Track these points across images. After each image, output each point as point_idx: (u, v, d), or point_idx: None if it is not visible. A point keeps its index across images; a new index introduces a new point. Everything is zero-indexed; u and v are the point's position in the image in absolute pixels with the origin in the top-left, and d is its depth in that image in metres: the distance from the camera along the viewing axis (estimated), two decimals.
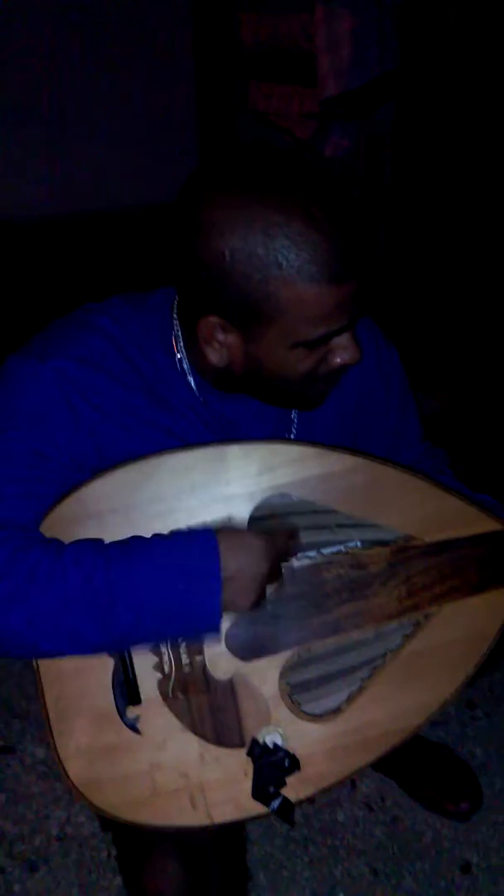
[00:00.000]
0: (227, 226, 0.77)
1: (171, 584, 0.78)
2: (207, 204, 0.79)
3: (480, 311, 2.38)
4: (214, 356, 0.86)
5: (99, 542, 0.82)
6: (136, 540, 0.82)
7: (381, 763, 1.44)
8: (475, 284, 2.38)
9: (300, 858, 1.35)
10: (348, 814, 1.42)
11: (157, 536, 0.83)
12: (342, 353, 0.86)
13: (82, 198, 2.93)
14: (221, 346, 0.85)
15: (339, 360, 0.86)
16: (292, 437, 0.99)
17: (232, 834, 0.92)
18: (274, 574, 0.86)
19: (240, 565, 0.81)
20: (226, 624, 0.88)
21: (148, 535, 0.85)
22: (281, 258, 0.77)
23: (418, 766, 1.44)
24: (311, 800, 1.42)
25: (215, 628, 0.82)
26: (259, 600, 0.84)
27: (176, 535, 0.83)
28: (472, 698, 1.63)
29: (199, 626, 0.81)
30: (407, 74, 2.22)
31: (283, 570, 0.88)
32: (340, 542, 0.91)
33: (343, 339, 0.85)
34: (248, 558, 0.82)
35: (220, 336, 0.84)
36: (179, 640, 0.87)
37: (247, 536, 0.84)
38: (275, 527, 0.87)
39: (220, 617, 0.80)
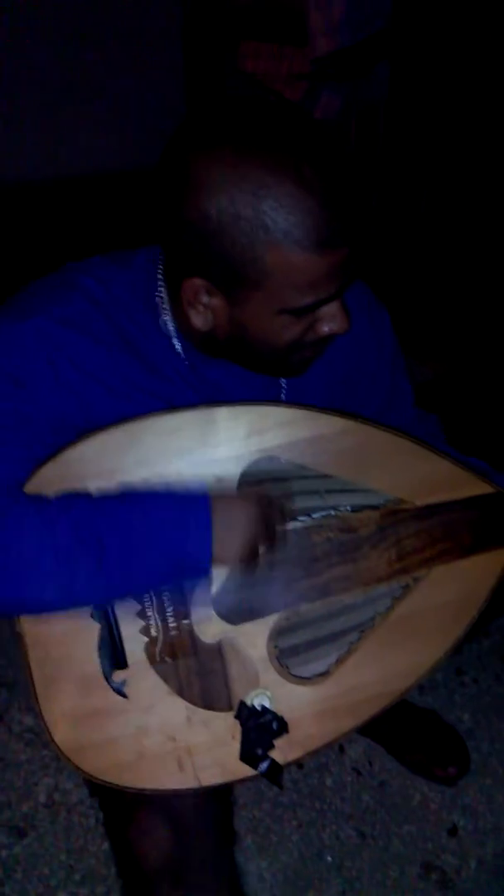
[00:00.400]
0: (215, 185, 0.74)
1: (161, 530, 0.78)
2: (194, 161, 0.75)
3: (474, 278, 2.35)
4: (198, 319, 0.83)
5: (88, 494, 0.80)
6: (128, 492, 0.81)
7: (370, 728, 1.46)
8: (470, 250, 2.35)
9: (288, 822, 1.35)
10: (336, 778, 1.42)
11: (149, 489, 0.82)
12: (330, 322, 0.83)
13: (68, 161, 2.87)
14: (206, 309, 0.83)
15: (326, 329, 0.84)
16: (282, 400, 0.97)
17: (219, 798, 0.92)
18: (269, 535, 0.85)
19: (230, 522, 0.80)
20: (215, 584, 0.87)
21: None
22: (269, 221, 0.74)
23: (406, 732, 1.45)
24: (299, 764, 1.43)
25: (205, 573, 0.81)
26: (250, 558, 0.83)
27: (169, 489, 0.82)
28: (460, 665, 1.64)
29: (189, 573, 0.81)
30: (401, 33, 2.17)
31: (278, 534, 0.87)
32: (331, 508, 0.90)
33: (331, 308, 0.82)
34: (239, 518, 0.81)
35: (205, 299, 0.82)
36: (169, 588, 0.87)
37: (239, 500, 0.83)
38: (269, 490, 0.86)
39: (209, 566, 0.79)
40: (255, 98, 0.80)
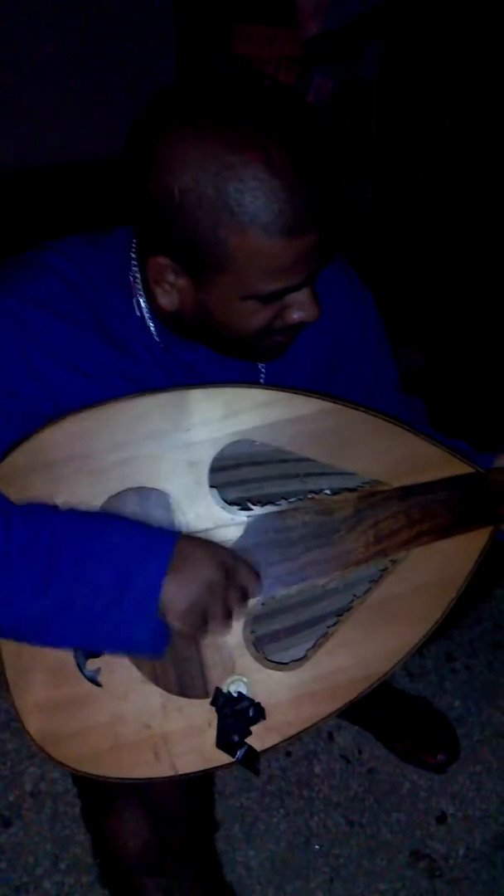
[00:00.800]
0: (178, 162, 0.71)
1: (116, 557, 0.76)
2: (160, 135, 0.72)
3: (469, 263, 2.33)
4: (164, 298, 0.81)
5: (54, 506, 0.80)
6: (94, 513, 0.81)
7: (359, 716, 1.45)
8: (465, 236, 2.32)
9: (276, 811, 1.35)
10: (325, 766, 1.41)
11: (116, 517, 0.81)
12: (298, 309, 0.80)
13: (58, 147, 2.84)
14: (171, 289, 0.80)
15: (295, 316, 0.81)
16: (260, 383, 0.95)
17: (199, 786, 0.91)
18: (224, 609, 0.81)
19: (192, 558, 0.79)
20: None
21: (105, 483, 0.81)
22: (233, 203, 0.70)
23: (396, 719, 1.44)
24: (287, 752, 1.42)
25: (149, 630, 0.78)
26: (195, 617, 0.79)
27: (138, 522, 0.81)
28: (450, 651, 1.63)
29: (133, 617, 0.77)
30: (392, 11, 2.14)
31: (230, 619, 0.83)
32: (310, 492, 0.88)
33: (300, 295, 0.79)
34: (204, 555, 0.80)
35: (171, 278, 0.79)
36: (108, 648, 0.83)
37: (209, 543, 0.82)
38: (239, 563, 0.84)
39: (156, 608, 0.77)
40: (231, 73, 0.77)
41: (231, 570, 0.81)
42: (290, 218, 0.71)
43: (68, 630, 0.78)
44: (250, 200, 0.70)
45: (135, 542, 0.77)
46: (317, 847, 1.30)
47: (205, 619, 0.80)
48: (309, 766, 1.41)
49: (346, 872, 1.27)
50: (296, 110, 0.73)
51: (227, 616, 0.82)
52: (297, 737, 0.87)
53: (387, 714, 1.44)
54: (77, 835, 1.29)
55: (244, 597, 0.84)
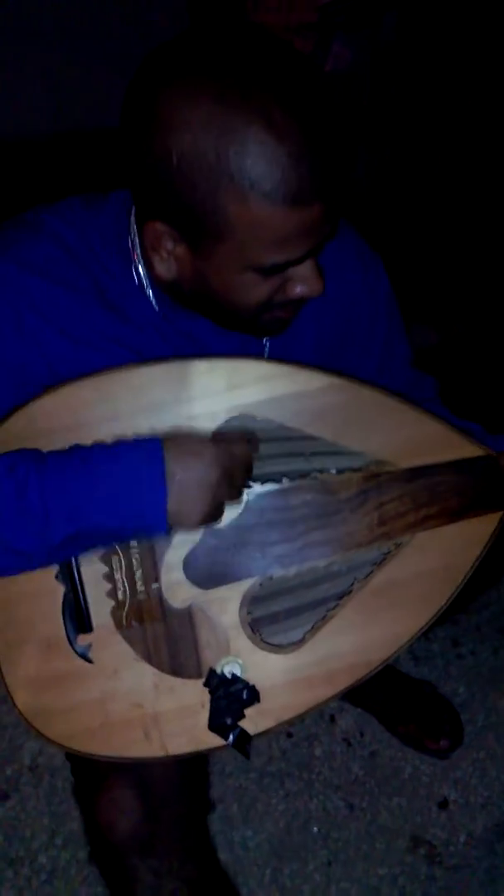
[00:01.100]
0: (177, 122, 0.66)
1: (109, 493, 0.72)
2: (158, 94, 0.67)
3: (487, 236, 2.26)
4: (161, 267, 0.77)
5: (37, 451, 0.76)
6: (77, 448, 0.76)
7: (361, 698, 1.43)
8: (483, 208, 2.26)
9: (275, 792, 1.33)
10: (326, 748, 1.40)
11: (98, 445, 0.77)
12: (301, 283, 0.76)
13: (72, 116, 2.79)
14: (169, 256, 0.76)
15: (297, 291, 0.76)
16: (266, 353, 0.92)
17: (192, 767, 0.89)
18: (234, 488, 0.79)
19: (187, 472, 0.74)
20: (182, 548, 0.83)
21: None
22: (233, 169, 0.65)
23: (399, 702, 1.42)
24: (288, 734, 1.41)
25: (160, 534, 0.77)
26: (212, 514, 0.78)
27: (119, 442, 0.77)
28: (456, 636, 1.60)
29: (145, 536, 0.77)
30: None
31: (244, 489, 0.82)
32: (314, 471, 0.85)
33: (303, 269, 0.75)
34: (196, 463, 0.75)
35: (168, 245, 0.75)
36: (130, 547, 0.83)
37: (195, 442, 0.77)
38: (230, 434, 0.81)
39: (165, 525, 0.74)
40: (236, 28, 0.72)
41: (225, 459, 0.78)
42: (295, 186, 0.66)
43: (83, 550, 0.79)
44: (251, 165, 0.65)
45: (124, 486, 0.73)
46: (315, 829, 1.28)
47: (220, 509, 0.79)
48: (310, 748, 1.39)
49: (344, 856, 1.25)
50: (304, 70, 0.68)
51: (240, 494, 0.81)
52: (292, 722, 0.84)
53: (390, 697, 1.42)
54: (74, 810, 1.28)
55: (249, 469, 0.82)
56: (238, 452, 0.79)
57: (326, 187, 0.69)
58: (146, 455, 0.75)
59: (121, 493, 0.73)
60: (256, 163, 0.65)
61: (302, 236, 0.71)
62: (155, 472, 0.74)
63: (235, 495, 0.81)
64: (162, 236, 0.74)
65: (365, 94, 2.39)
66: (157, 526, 0.74)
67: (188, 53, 0.68)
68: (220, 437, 0.80)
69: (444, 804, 1.32)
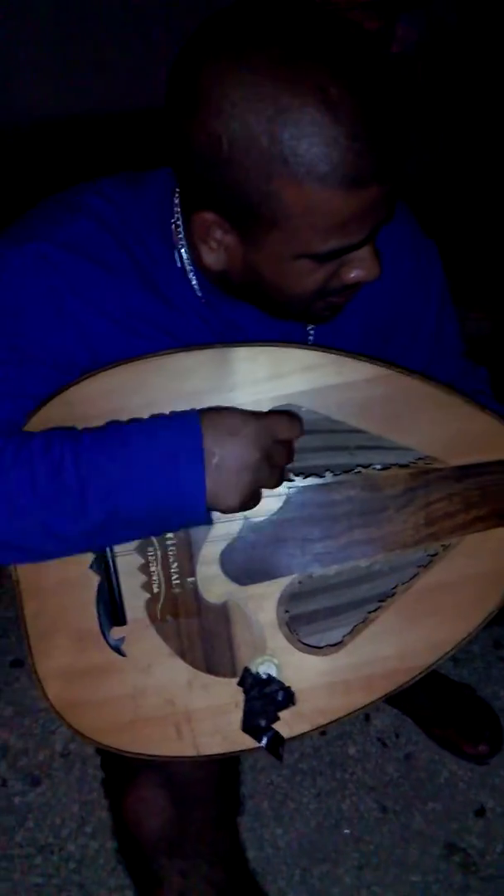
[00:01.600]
0: (226, 104, 0.62)
1: (146, 471, 0.69)
2: (205, 74, 0.63)
3: None
4: (210, 257, 0.74)
5: (73, 430, 0.73)
6: (113, 425, 0.73)
7: (398, 699, 1.39)
8: None
9: (307, 790, 1.31)
10: (360, 748, 1.36)
11: (134, 421, 0.74)
12: (357, 267, 0.72)
13: (89, 99, 2.75)
14: (219, 247, 0.73)
15: (353, 275, 0.73)
16: (310, 339, 0.88)
17: (224, 767, 0.86)
18: (273, 472, 0.75)
19: (225, 451, 0.71)
20: (219, 542, 0.80)
21: None
22: (287, 152, 0.62)
23: (438, 705, 1.38)
24: (322, 731, 1.38)
25: (200, 519, 0.73)
26: (250, 497, 0.73)
27: (156, 418, 0.74)
28: (499, 638, 1.55)
29: (182, 518, 0.73)
30: None
31: (284, 475, 0.78)
32: (359, 466, 0.82)
33: (360, 252, 0.71)
34: (235, 443, 0.71)
35: (218, 234, 0.71)
36: (168, 533, 0.80)
37: (235, 419, 0.73)
38: (272, 412, 0.77)
39: (204, 508, 0.71)
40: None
41: (265, 437, 0.73)
42: (352, 168, 0.62)
43: (121, 535, 0.75)
44: (307, 148, 0.61)
45: (161, 463, 0.70)
46: (347, 831, 1.26)
47: (260, 492, 0.75)
48: (343, 747, 1.36)
49: (376, 860, 1.22)
50: (360, 43, 0.64)
51: (281, 479, 0.77)
52: (327, 727, 0.81)
53: (428, 699, 1.38)
54: (104, 798, 1.26)
55: (291, 450, 0.77)
56: (279, 432, 0.75)
57: (385, 168, 0.64)
58: (183, 433, 0.71)
59: (157, 471, 0.70)
60: (313, 144, 0.61)
61: (360, 220, 0.67)
62: (193, 451, 0.70)
63: (275, 480, 0.76)
64: (211, 226, 0.71)
65: (419, 75, 2.32)
66: (196, 506, 0.71)
67: (235, 27, 0.64)
68: (262, 415, 0.76)
69: (480, 812, 1.28)
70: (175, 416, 0.74)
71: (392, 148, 0.64)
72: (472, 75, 2.24)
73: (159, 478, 0.70)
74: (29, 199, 0.84)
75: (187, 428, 0.71)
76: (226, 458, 0.71)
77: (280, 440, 0.75)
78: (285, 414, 0.77)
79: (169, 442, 0.71)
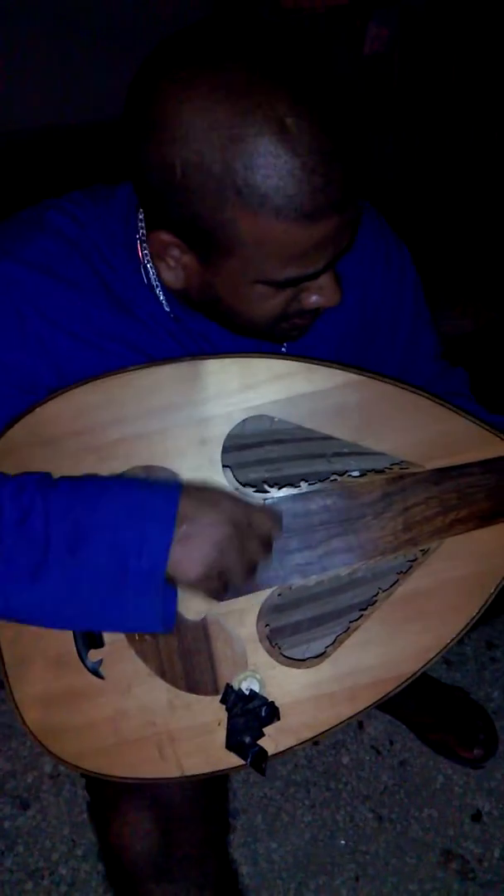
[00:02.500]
0: (181, 131, 0.60)
1: (114, 521, 0.68)
2: (160, 96, 0.61)
3: None
4: (168, 275, 0.72)
5: (47, 476, 0.72)
6: (93, 478, 0.73)
7: (390, 705, 1.38)
8: None
9: (301, 802, 1.29)
10: (354, 757, 1.35)
11: (115, 479, 0.73)
12: (316, 294, 0.71)
13: (91, 108, 2.75)
14: (176, 265, 0.71)
15: (312, 300, 0.72)
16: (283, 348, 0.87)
17: (211, 787, 0.85)
18: (242, 560, 0.73)
19: (198, 519, 0.70)
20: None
21: (110, 461, 0.75)
22: (241, 182, 0.60)
23: (430, 709, 1.36)
24: (315, 742, 1.36)
25: (157, 586, 0.69)
26: (214, 577, 0.71)
27: (135, 479, 0.73)
28: (491, 639, 1.54)
29: (140, 589, 0.69)
30: None
31: (254, 570, 0.76)
32: (336, 474, 0.81)
33: (320, 280, 0.70)
34: (211, 513, 0.71)
35: (175, 254, 0.70)
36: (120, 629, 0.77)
37: (217, 493, 0.73)
38: (255, 501, 0.77)
39: (164, 567, 0.69)
40: (247, 19, 0.66)
41: (243, 520, 0.73)
42: (308, 201, 0.61)
43: (70, 613, 0.71)
44: (262, 180, 0.60)
45: (130, 515, 0.69)
46: (343, 842, 1.24)
47: (224, 578, 0.73)
48: (337, 757, 1.35)
49: (373, 870, 1.20)
50: (320, 73, 0.62)
51: (250, 571, 0.75)
52: (313, 740, 0.80)
53: (421, 704, 1.36)
54: (93, 829, 1.25)
55: (267, 545, 0.76)
56: (257, 522, 0.75)
57: (343, 199, 0.63)
58: (161, 493, 0.71)
59: (125, 521, 0.69)
60: (267, 176, 0.60)
61: (318, 250, 0.66)
62: (165, 510, 0.69)
63: (242, 573, 0.74)
64: (168, 246, 0.69)
65: (394, 74, 2.32)
66: (156, 567, 0.69)
67: (194, 48, 0.62)
68: (245, 501, 0.75)
69: (477, 816, 1.27)
70: (157, 483, 0.73)
71: (350, 178, 0.63)
72: (447, 71, 2.24)
73: (126, 529, 0.68)
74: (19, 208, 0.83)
75: (166, 490, 0.71)
76: (197, 526, 0.70)
77: (256, 529, 0.74)
78: (268, 509, 0.77)
79: (144, 497, 0.70)
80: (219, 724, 0.79)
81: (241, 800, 1.28)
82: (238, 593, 0.78)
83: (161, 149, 0.62)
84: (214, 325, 0.80)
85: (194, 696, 0.79)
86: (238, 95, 0.59)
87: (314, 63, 0.63)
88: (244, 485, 0.79)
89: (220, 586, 0.73)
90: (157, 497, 0.70)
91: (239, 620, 0.79)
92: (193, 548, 0.70)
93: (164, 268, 0.72)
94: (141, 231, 0.78)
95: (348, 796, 1.30)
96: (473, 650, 1.53)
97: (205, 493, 0.73)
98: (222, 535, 0.71)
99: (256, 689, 0.78)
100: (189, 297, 0.75)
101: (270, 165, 0.59)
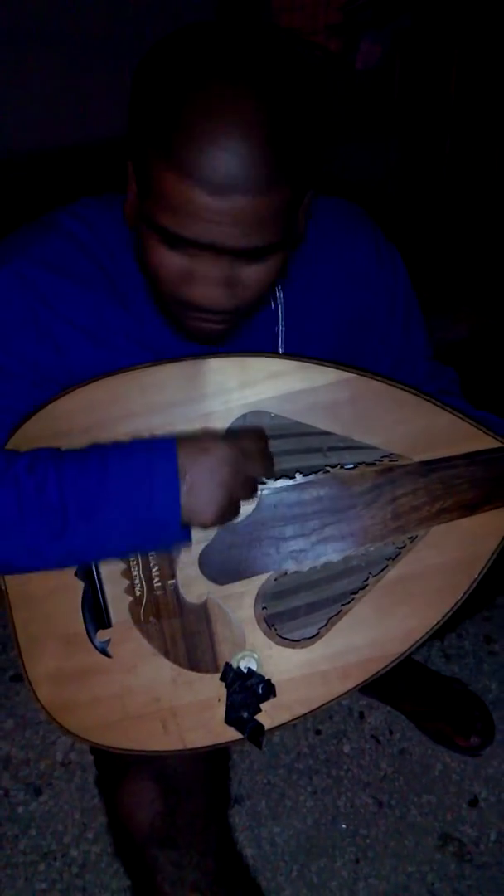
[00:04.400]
0: (155, 65, 0.69)
1: (125, 490, 0.74)
2: (152, 53, 0.70)
3: None
4: (128, 210, 0.78)
5: (55, 450, 0.78)
6: (94, 448, 0.78)
7: (390, 696, 1.42)
8: None
9: (303, 788, 1.33)
10: (355, 745, 1.39)
11: (115, 444, 0.78)
12: (195, 285, 0.74)
13: (91, 126, 2.81)
14: (131, 198, 0.76)
15: (192, 291, 0.74)
16: (280, 345, 0.92)
17: (213, 759, 0.90)
18: (247, 485, 0.80)
19: (199, 467, 0.76)
20: (197, 544, 0.84)
21: None
22: (161, 119, 0.67)
23: (430, 700, 1.41)
24: (317, 730, 1.41)
25: (177, 537, 0.77)
26: (227, 510, 0.78)
27: (135, 441, 0.79)
28: (489, 633, 1.58)
29: (160, 536, 0.77)
30: None
31: (258, 486, 0.82)
32: (331, 467, 0.86)
33: (203, 268, 0.72)
34: (208, 460, 0.76)
35: (133, 187, 0.75)
36: (147, 552, 0.84)
37: (208, 440, 0.78)
38: (241, 431, 0.82)
39: (179, 524, 0.75)
40: (250, 23, 0.72)
41: (238, 454, 0.78)
42: (191, 156, 0.66)
43: (99, 556, 0.81)
44: (180, 140, 0.66)
45: (137, 476, 0.75)
46: (343, 826, 1.28)
47: (235, 506, 0.80)
48: (338, 745, 1.39)
49: (372, 853, 1.25)
50: (289, 70, 0.69)
51: (254, 489, 0.82)
52: (308, 716, 0.85)
53: (420, 695, 1.41)
54: (102, 801, 1.30)
55: (265, 463, 0.82)
56: (250, 449, 0.80)
57: (224, 185, 0.66)
58: (159, 451, 0.76)
59: (133, 489, 0.74)
60: (186, 140, 0.65)
61: (190, 216, 0.68)
62: (167, 467, 0.75)
63: (249, 493, 0.81)
64: (129, 179, 0.76)
65: (395, 87, 2.38)
66: (172, 521, 0.75)
67: (185, 34, 0.70)
68: (232, 435, 0.80)
69: (474, 802, 1.31)
70: (153, 439, 0.79)
71: (246, 178, 0.66)
72: (445, 84, 2.29)
73: (135, 496, 0.74)
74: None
75: (163, 449, 0.76)
76: (200, 473, 0.76)
77: (251, 455, 0.80)
78: (253, 431, 0.82)
79: (144, 462, 0.75)
80: (219, 701, 0.84)
81: (245, 786, 1.33)
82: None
83: (140, 75, 0.70)
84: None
85: (196, 674, 0.84)
86: (195, 64, 0.66)
87: (291, 61, 0.69)
88: None
89: (233, 514, 0.80)
90: (157, 456, 0.76)
91: (238, 603, 0.84)
92: (201, 494, 0.76)
93: (128, 206, 0.78)
94: None
95: (349, 783, 1.34)
96: (472, 644, 1.57)
97: (199, 441, 0.78)
98: (223, 476, 0.77)
99: (254, 667, 0.83)
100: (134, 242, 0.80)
101: (190, 124, 0.65)
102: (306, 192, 0.77)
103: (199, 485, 0.75)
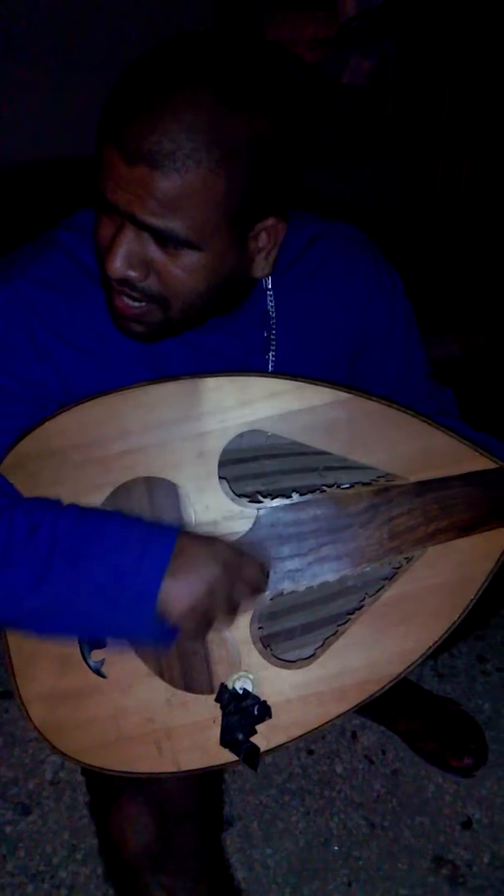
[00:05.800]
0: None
1: (116, 545, 0.74)
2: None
3: None
4: None
5: (58, 502, 0.79)
6: (99, 510, 0.79)
7: (383, 715, 1.41)
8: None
9: (295, 809, 1.32)
10: (347, 766, 1.38)
11: (119, 513, 0.80)
12: (111, 253, 0.73)
13: (89, 137, 2.82)
14: None
15: (107, 259, 0.74)
16: (271, 367, 0.92)
17: (207, 783, 0.89)
18: (229, 604, 0.79)
19: (194, 556, 0.76)
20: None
21: (113, 472, 0.80)
22: (114, 97, 0.70)
23: (422, 720, 1.40)
24: (309, 751, 1.40)
25: (147, 620, 0.75)
26: (199, 615, 0.76)
27: (139, 520, 0.79)
28: (482, 652, 1.58)
29: (132, 610, 0.75)
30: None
31: (236, 611, 0.81)
32: (328, 486, 0.86)
33: (120, 238, 0.73)
34: (206, 551, 0.77)
35: None
36: (117, 637, 0.82)
37: (213, 539, 0.79)
38: (249, 552, 0.82)
39: (154, 600, 0.74)
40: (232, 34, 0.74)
41: (234, 566, 0.78)
42: (126, 135, 0.67)
43: (69, 623, 0.77)
44: (112, 109, 0.69)
45: (131, 541, 0.75)
46: (336, 848, 1.27)
47: (208, 617, 0.78)
48: (331, 766, 1.38)
49: (365, 876, 1.23)
50: (257, 75, 0.70)
51: (232, 613, 0.80)
52: (303, 738, 0.84)
53: (412, 715, 1.40)
54: (94, 825, 1.28)
55: (254, 591, 0.81)
56: (248, 573, 0.80)
57: (136, 150, 0.67)
58: (161, 529, 0.77)
59: (125, 547, 0.75)
60: (113, 102, 0.69)
61: (112, 180, 0.70)
62: (165, 539, 0.76)
63: (227, 610, 0.79)
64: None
65: (388, 103, 2.40)
66: (148, 592, 0.74)
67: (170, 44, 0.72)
68: (240, 549, 0.81)
69: (467, 824, 1.30)
70: (154, 526, 0.79)
71: (163, 152, 0.67)
72: (440, 101, 2.32)
73: (124, 554, 0.74)
74: (15, 241, 0.89)
75: (166, 528, 0.77)
76: (190, 562, 0.75)
77: (245, 577, 0.80)
78: (259, 560, 0.82)
79: (146, 529, 0.76)
80: (213, 722, 0.83)
81: (237, 807, 1.31)
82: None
83: None
84: (220, 338, 0.86)
85: (191, 695, 0.83)
86: (161, 49, 0.71)
87: (226, 52, 0.71)
88: (241, 496, 0.84)
89: (203, 624, 0.78)
90: (157, 531, 0.77)
91: (234, 624, 0.84)
92: (184, 582, 0.75)
93: None
94: None
95: (342, 804, 1.33)
96: (465, 664, 1.57)
97: (203, 536, 0.79)
98: (212, 575, 0.76)
99: (249, 688, 0.83)
100: None
101: (121, 86, 0.69)
102: (262, 213, 0.75)
103: (187, 570, 0.75)
